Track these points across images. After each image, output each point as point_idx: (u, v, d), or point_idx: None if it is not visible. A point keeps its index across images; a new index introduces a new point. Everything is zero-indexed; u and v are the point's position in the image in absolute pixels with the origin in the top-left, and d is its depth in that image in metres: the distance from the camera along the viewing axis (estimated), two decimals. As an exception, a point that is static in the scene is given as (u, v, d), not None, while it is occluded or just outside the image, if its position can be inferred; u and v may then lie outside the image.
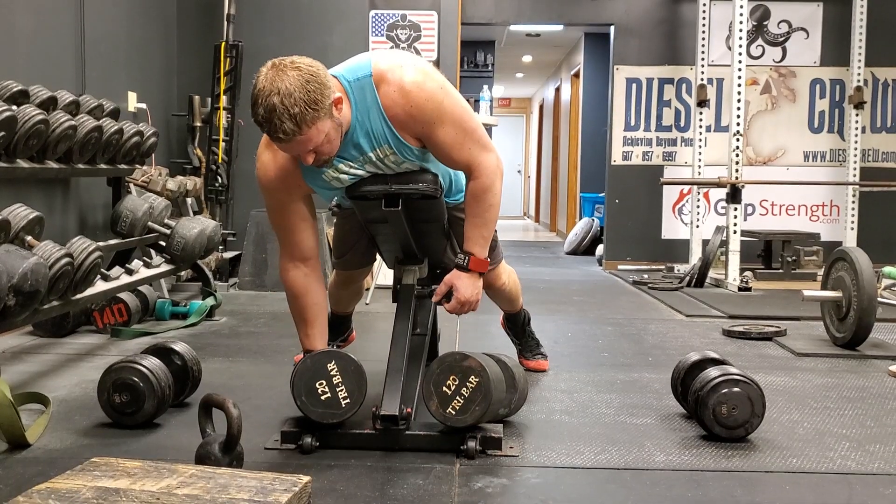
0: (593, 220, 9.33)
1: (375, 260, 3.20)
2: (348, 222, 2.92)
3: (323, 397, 2.33)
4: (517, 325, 3.49)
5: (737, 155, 6.17)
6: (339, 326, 3.47)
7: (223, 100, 6.02)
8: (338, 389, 2.33)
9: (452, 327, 4.31)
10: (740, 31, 6.19)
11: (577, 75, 10.94)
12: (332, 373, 2.33)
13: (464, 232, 2.57)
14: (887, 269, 4.85)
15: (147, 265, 4.19)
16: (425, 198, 2.49)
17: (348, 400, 2.34)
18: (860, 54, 6.75)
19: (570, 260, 8.72)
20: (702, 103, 7.11)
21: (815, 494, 2.15)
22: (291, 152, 2.29)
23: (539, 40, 11.02)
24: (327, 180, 2.45)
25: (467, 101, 2.54)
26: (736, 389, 2.48)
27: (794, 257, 6.38)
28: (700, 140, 7.12)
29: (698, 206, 7.11)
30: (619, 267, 7.45)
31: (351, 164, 2.42)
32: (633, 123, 7.44)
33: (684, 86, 7.38)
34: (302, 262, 2.57)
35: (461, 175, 2.63)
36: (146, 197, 4.57)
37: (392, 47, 6.66)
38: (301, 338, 2.63)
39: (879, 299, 3.78)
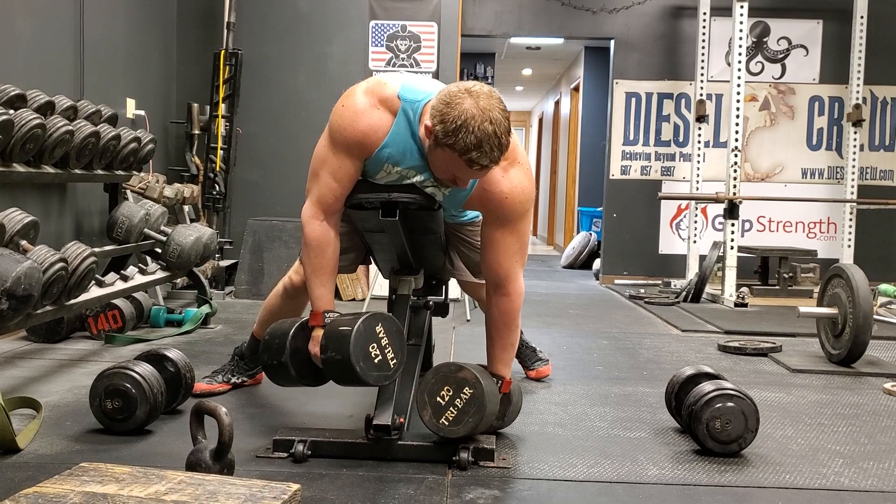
0: (591, 234, 9.32)
1: (367, 263, 3.16)
2: (343, 226, 2.86)
3: (376, 360, 2.33)
4: None
5: (735, 171, 6.18)
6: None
7: (222, 108, 6.02)
8: (386, 351, 2.35)
9: (447, 338, 4.31)
10: (740, 47, 6.21)
11: (576, 89, 10.95)
12: (380, 335, 2.34)
13: (493, 353, 2.58)
14: (883, 286, 4.86)
15: (142, 272, 4.18)
16: (423, 209, 2.49)
17: (395, 360, 2.36)
18: (859, 72, 6.76)
19: (566, 274, 8.71)
20: (701, 119, 7.11)
21: (808, 511, 2.15)
22: (471, 177, 2.30)
23: (539, 53, 11.04)
24: (383, 170, 2.42)
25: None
26: (730, 404, 2.48)
27: (790, 274, 6.39)
28: (698, 155, 7.13)
29: (696, 222, 7.11)
30: (616, 281, 7.44)
31: (414, 171, 2.40)
32: (631, 138, 7.45)
33: (683, 101, 7.39)
34: (330, 216, 2.49)
35: None
36: (143, 203, 4.57)
37: (392, 58, 6.67)
38: (316, 292, 2.51)
39: (875, 317, 3.78)
